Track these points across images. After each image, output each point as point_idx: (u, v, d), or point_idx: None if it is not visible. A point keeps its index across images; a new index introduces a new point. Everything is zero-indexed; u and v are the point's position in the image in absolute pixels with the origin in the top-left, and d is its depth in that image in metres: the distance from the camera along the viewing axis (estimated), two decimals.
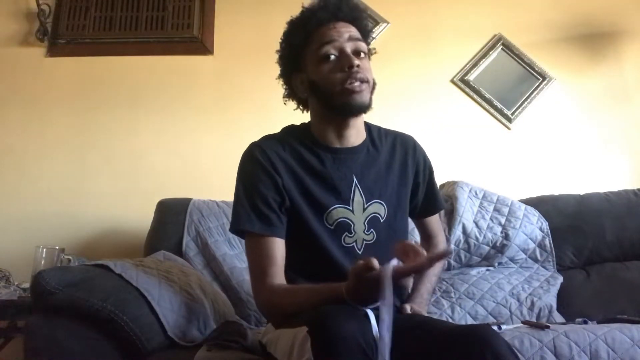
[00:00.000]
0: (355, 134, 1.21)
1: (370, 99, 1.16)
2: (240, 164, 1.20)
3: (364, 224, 1.16)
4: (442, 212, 1.89)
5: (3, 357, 1.81)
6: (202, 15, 2.44)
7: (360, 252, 1.15)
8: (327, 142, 1.20)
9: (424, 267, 0.91)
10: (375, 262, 0.90)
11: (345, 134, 1.20)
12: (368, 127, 1.27)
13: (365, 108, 1.15)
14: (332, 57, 1.13)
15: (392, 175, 1.23)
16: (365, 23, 1.22)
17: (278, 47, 1.27)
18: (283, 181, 1.14)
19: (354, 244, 1.15)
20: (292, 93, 1.26)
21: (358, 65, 1.11)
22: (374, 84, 1.18)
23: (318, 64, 1.14)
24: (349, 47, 1.14)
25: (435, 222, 1.39)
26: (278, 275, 1.10)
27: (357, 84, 1.11)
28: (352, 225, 1.15)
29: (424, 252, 0.91)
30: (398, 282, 0.90)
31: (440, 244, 1.39)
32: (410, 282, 0.94)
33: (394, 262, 0.90)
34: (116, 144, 2.31)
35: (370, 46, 1.23)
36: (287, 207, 1.15)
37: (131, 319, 1.18)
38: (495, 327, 1.28)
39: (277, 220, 1.13)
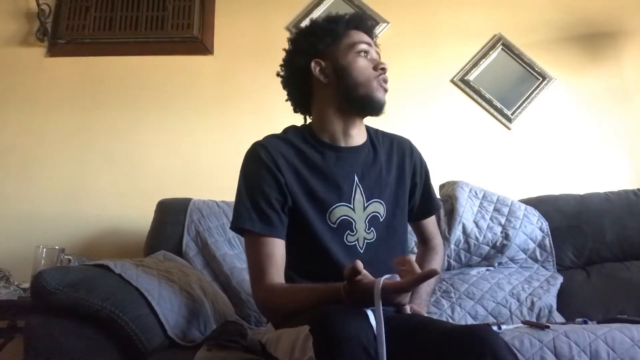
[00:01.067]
0: (358, 134, 1.24)
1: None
2: (243, 162, 1.20)
3: (365, 222, 1.17)
4: (442, 212, 1.91)
5: (3, 357, 1.81)
6: (202, 15, 2.44)
7: (361, 251, 1.16)
8: (331, 140, 1.22)
9: (412, 286, 0.92)
10: (360, 265, 0.90)
11: (350, 133, 1.22)
12: (366, 129, 1.29)
13: (382, 107, 1.20)
14: (367, 56, 1.21)
15: (390, 175, 1.25)
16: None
17: (277, 47, 1.28)
18: (286, 180, 1.15)
19: (356, 242, 1.16)
20: (293, 77, 1.26)
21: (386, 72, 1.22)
22: None
23: (354, 55, 1.20)
24: (378, 58, 1.25)
25: (432, 224, 1.41)
26: (277, 275, 1.11)
27: (386, 84, 1.21)
28: (354, 223, 1.16)
29: (418, 271, 0.93)
30: (391, 298, 0.91)
31: (438, 246, 1.40)
32: (407, 299, 0.95)
33: (387, 277, 0.91)
34: (116, 144, 2.31)
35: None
36: (290, 207, 1.15)
37: (131, 319, 1.18)
38: (495, 327, 1.28)
39: (278, 220, 1.13)
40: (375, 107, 1.19)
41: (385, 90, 1.21)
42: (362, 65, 1.19)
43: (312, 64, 1.22)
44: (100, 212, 2.21)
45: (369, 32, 1.26)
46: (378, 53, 1.26)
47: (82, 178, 2.27)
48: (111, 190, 2.24)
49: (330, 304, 0.94)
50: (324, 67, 1.21)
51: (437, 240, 1.42)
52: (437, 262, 1.37)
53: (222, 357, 1.12)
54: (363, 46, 1.21)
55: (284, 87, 1.30)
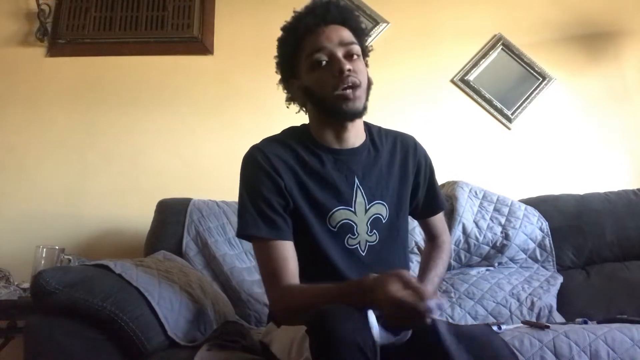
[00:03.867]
0: (354, 136, 1.21)
1: (365, 102, 1.15)
2: (242, 167, 1.19)
3: (367, 225, 1.16)
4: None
5: (3, 357, 1.81)
6: (202, 15, 2.44)
7: (363, 254, 1.15)
8: (327, 144, 1.19)
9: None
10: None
11: (343, 137, 1.19)
12: (368, 127, 1.27)
13: (359, 114, 1.15)
14: (324, 62, 1.13)
15: (392, 175, 1.23)
16: (356, 23, 1.19)
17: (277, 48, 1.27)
18: (285, 183, 1.13)
19: (357, 245, 1.15)
20: (292, 97, 1.26)
21: (349, 70, 1.11)
22: (370, 83, 1.18)
23: (310, 71, 1.14)
24: (340, 52, 1.13)
25: (439, 221, 1.37)
26: (291, 277, 1.08)
27: (349, 91, 1.11)
28: (355, 227, 1.15)
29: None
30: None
31: (445, 244, 1.37)
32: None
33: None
34: (116, 143, 2.31)
35: (368, 44, 1.23)
36: (291, 209, 1.14)
37: (131, 319, 1.18)
38: (495, 327, 1.28)
39: (283, 223, 1.12)
40: (347, 117, 1.14)
41: (352, 98, 1.11)
42: (318, 79, 1.13)
43: (290, 85, 1.22)
44: (100, 212, 2.21)
45: (323, 23, 1.13)
46: (343, 42, 1.13)
47: (82, 178, 2.27)
48: (111, 190, 2.24)
49: (353, 301, 0.92)
50: (298, 86, 1.19)
51: (445, 237, 1.38)
52: (443, 260, 1.33)
53: (222, 357, 1.12)
54: (315, 57, 1.12)
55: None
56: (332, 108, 1.13)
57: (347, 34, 1.15)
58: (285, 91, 1.27)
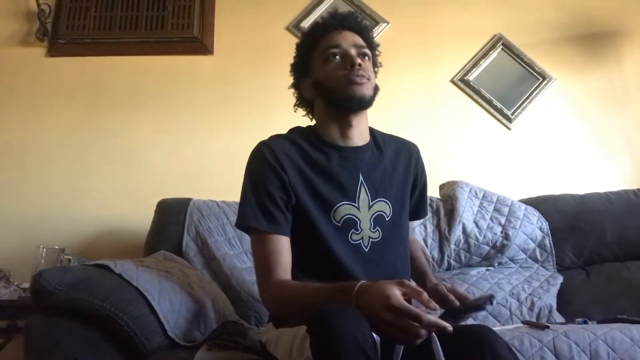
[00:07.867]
0: (359, 135, 1.25)
1: (372, 97, 1.20)
2: (248, 162, 1.22)
3: (370, 221, 1.18)
4: (442, 211, 1.94)
5: (3, 357, 1.81)
6: (202, 15, 2.44)
7: (366, 250, 1.17)
8: (333, 141, 1.23)
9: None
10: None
11: (348, 134, 1.23)
12: (372, 131, 1.31)
13: (365, 102, 1.19)
14: (337, 57, 1.20)
15: (396, 175, 1.27)
16: (370, 36, 1.28)
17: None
18: (289, 179, 1.16)
19: (361, 241, 1.17)
20: (301, 100, 1.32)
21: (360, 65, 1.18)
22: (377, 88, 1.23)
23: (323, 64, 1.21)
24: (353, 51, 1.21)
25: (412, 228, 1.45)
26: (284, 272, 1.11)
27: (358, 78, 1.17)
28: (359, 222, 1.17)
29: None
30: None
31: (418, 251, 1.43)
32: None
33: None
34: (116, 143, 2.31)
35: (377, 57, 1.31)
36: (293, 205, 1.16)
37: (131, 319, 1.18)
38: (497, 327, 1.28)
39: (283, 218, 1.14)
40: (354, 104, 1.19)
41: (361, 83, 1.17)
42: (329, 71, 1.20)
43: (301, 85, 1.28)
44: (100, 212, 2.21)
45: (340, 27, 1.23)
46: (356, 44, 1.21)
47: (82, 178, 2.27)
48: (111, 190, 2.24)
49: (340, 301, 0.93)
50: (308, 84, 1.25)
51: (416, 242, 1.52)
52: (415, 246, 1.42)
53: (222, 357, 1.12)
54: (330, 51, 1.20)
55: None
56: (341, 95, 1.18)
57: (360, 41, 1.23)
58: (295, 95, 1.33)
